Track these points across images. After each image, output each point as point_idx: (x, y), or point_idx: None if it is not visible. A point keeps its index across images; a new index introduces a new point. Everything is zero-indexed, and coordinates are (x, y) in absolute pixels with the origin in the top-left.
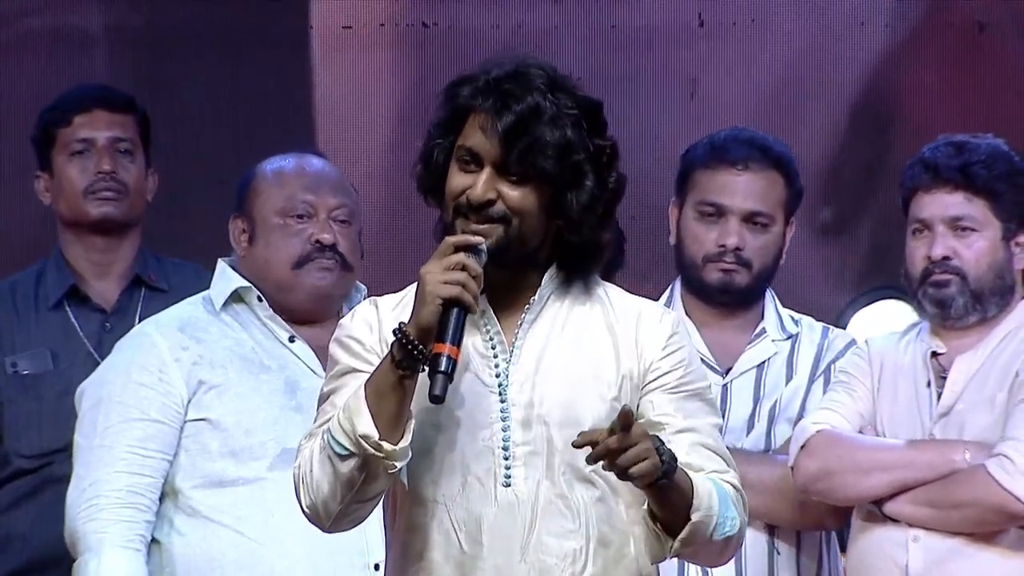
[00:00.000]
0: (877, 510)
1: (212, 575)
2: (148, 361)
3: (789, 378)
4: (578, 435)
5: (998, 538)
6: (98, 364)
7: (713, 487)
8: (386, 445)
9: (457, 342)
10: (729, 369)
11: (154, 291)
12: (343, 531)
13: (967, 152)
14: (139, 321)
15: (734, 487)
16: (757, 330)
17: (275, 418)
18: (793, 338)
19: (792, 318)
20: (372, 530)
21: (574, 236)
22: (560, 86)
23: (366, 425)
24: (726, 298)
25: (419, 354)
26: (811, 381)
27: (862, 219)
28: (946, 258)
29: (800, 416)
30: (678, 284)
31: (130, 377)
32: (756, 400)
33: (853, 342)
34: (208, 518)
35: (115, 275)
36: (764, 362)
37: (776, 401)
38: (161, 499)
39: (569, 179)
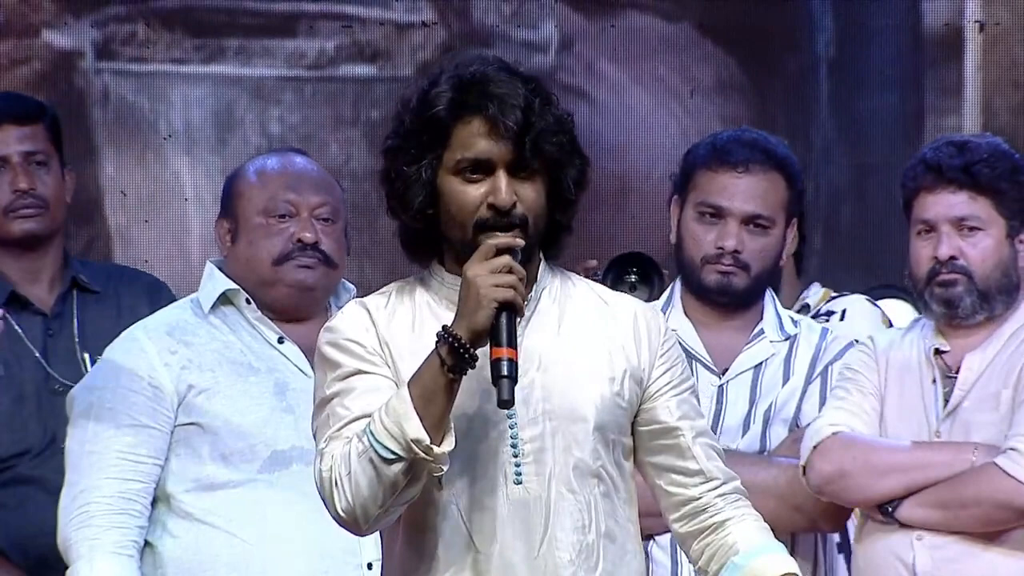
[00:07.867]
0: (882, 518)
1: None
2: (137, 366)
3: (786, 379)
4: None
5: (1004, 535)
6: (45, 368)
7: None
8: (436, 448)
9: (514, 344)
10: (726, 370)
11: (87, 292)
12: (370, 534)
13: (969, 152)
14: (78, 323)
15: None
16: (755, 331)
17: (265, 420)
18: (792, 339)
19: (792, 319)
20: None
21: (565, 216)
22: (515, 71)
23: (416, 429)
24: (724, 299)
25: (470, 357)
26: (807, 383)
27: (863, 218)
28: (952, 258)
29: (796, 417)
30: (678, 284)
31: (119, 383)
32: (752, 401)
33: (852, 344)
34: (200, 520)
35: (46, 280)
36: (761, 363)
37: (772, 403)
38: (153, 504)
39: (565, 158)
